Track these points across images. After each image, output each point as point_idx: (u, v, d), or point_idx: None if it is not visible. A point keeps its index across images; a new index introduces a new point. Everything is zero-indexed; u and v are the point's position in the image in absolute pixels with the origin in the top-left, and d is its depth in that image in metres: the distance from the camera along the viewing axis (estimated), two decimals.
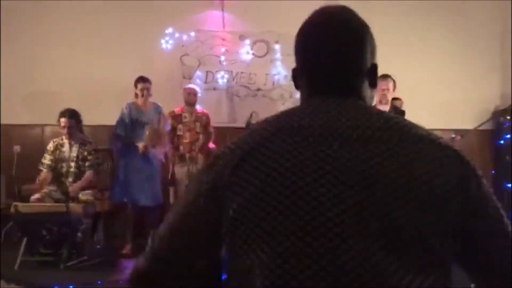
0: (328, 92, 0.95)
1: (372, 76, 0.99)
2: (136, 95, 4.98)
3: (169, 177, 5.21)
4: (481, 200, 0.88)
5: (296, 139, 0.87)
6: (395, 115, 0.97)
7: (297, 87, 1.02)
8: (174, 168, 5.20)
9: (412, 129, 0.90)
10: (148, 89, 4.95)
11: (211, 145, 5.37)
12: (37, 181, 4.64)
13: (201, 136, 5.31)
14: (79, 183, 4.64)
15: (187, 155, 5.20)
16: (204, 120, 5.34)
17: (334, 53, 0.96)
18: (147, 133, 4.86)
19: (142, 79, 4.96)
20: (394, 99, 5.28)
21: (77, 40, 5.70)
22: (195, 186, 0.93)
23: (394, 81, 4.65)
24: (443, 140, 0.90)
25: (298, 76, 1.02)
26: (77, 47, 5.69)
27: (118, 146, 5.05)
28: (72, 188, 4.56)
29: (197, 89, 5.46)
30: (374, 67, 0.99)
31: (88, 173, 4.72)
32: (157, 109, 5.04)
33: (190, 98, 5.28)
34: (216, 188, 0.88)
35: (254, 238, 0.83)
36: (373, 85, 1.00)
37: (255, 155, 0.88)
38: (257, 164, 0.87)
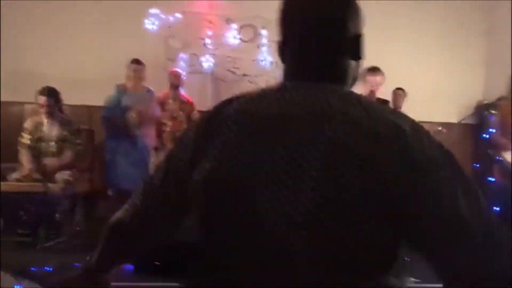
0: (304, 72, 0.95)
1: (356, 47, 0.96)
2: (128, 77, 4.87)
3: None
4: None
5: (252, 129, 0.90)
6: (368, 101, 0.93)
7: (282, 60, 1.02)
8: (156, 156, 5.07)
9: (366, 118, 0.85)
10: (140, 72, 4.85)
11: None
12: (23, 163, 4.53)
13: (183, 126, 5.23)
14: (57, 162, 4.55)
15: (168, 145, 5.13)
16: (188, 109, 5.27)
17: (311, 25, 0.94)
18: (133, 115, 4.74)
19: (136, 61, 4.86)
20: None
21: (60, 19, 5.57)
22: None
23: (383, 74, 4.62)
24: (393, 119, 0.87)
25: (282, 50, 1.01)
26: (61, 26, 5.57)
27: (107, 129, 4.89)
28: (51, 164, 4.47)
29: (182, 72, 5.40)
30: (358, 37, 0.96)
31: (68, 154, 4.63)
32: (148, 93, 4.92)
33: (176, 80, 5.22)
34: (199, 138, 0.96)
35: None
36: (357, 57, 0.97)
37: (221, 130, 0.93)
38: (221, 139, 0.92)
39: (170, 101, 5.19)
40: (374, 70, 4.46)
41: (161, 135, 5.11)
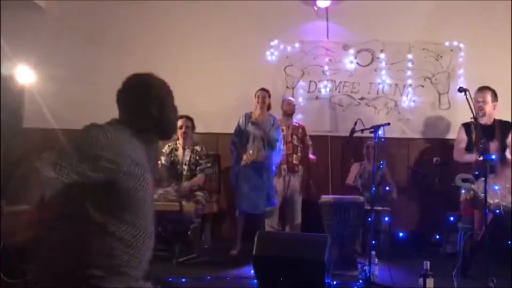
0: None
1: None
2: (255, 105, 5.17)
3: None
4: None
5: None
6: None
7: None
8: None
9: None
10: (264, 97, 5.13)
11: (311, 156, 5.43)
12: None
13: (298, 149, 5.41)
14: (188, 183, 4.92)
15: (284, 167, 5.32)
16: (300, 133, 5.45)
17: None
18: (251, 152, 5.03)
19: (261, 89, 5.18)
20: None
21: (189, 53, 6.10)
22: None
23: (493, 92, 4.49)
24: None
25: None
26: (189, 60, 6.08)
27: (234, 153, 5.21)
28: (184, 185, 4.86)
29: (294, 100, 5.60)
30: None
31: (200, 176, 5.01)
32: (274, 120, 5.13)
33: (290, 109, 5.41)
34: None
35: None
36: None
37: None
38: None
39: (284, 128, 5.40)
40: (481, 89, 4.47)
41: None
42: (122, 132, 1.72)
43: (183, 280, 3.79)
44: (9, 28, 5.80)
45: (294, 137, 5.39)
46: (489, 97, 4.53)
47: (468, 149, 4.55)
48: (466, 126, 4.52)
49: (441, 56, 5.89)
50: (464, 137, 4.61)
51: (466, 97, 3.82)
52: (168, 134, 1.92)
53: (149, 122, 1.81)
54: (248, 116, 5.16)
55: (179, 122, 4.99)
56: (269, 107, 5.18)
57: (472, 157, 4.37)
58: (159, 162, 5.09)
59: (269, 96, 5.18)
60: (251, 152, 4.99)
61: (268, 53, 6.05)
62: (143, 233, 1.71)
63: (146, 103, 1.81)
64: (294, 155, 5.36)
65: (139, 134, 1.78)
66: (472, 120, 3.92)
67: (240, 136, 5.11)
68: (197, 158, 5.04)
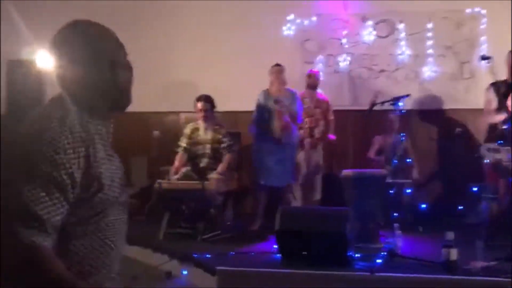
0: None
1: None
2: (271, 82, 5.19)
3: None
4: None
5: None
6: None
7: None
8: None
9: None
10: (279, 73, 5.12)
11: (331, 136, 5.42)
12: (175, 162, 5.05)
13: (321, 123, 5.40)
14: (223, 166, 4.91)
15: (308, 140, 5.34)
16: (324, 107, 5.44)
17: None
18: (276, 125, 5.05)
19: (275, 64, 5.18)
20: None
21: (205, 31, 6.08)
22: None
23: None
24: None
25: None
26: (206, 40, 6.06)
27: (254, 130, 5.26)
28: (220, 171, 4.86)
29: (319, 73, 5.60)
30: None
31: (228, 155, 5.02)
32: (292, 95, 5.16)
33: (312, 81, 5.42)
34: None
35: None
36: None
37: None
38: None
39: (307, 100, 5.41)
40: None
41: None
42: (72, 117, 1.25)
43: (208, 256, 3.86)
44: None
45: (317, 110, 5.40)
46: None
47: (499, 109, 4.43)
48: (495, 85, 4.36)
49: (462, 24, 5.75)
50: (493, 97, 4.47)
51: (489, 65, 3.74)
52: (121, 105, 1.38)
53: (99, 89, 1.31)
54: (266, 93, 5.17)
55: (198, 105, 5.00)
56: (285, 82, 5.17)
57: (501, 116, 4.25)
58: (179, 143, 5.11)
59: (284, 71, 5.16)
60: (276, 124, 5.02)
61: (284, 28, 5.98)
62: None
63: (94, 62, 1.29)
64: (316, 129, 5.37)
65: (90, 108, 1.31)
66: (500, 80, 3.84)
67: (262, 114, 5.14)
68: (220, 136, 5.06)
